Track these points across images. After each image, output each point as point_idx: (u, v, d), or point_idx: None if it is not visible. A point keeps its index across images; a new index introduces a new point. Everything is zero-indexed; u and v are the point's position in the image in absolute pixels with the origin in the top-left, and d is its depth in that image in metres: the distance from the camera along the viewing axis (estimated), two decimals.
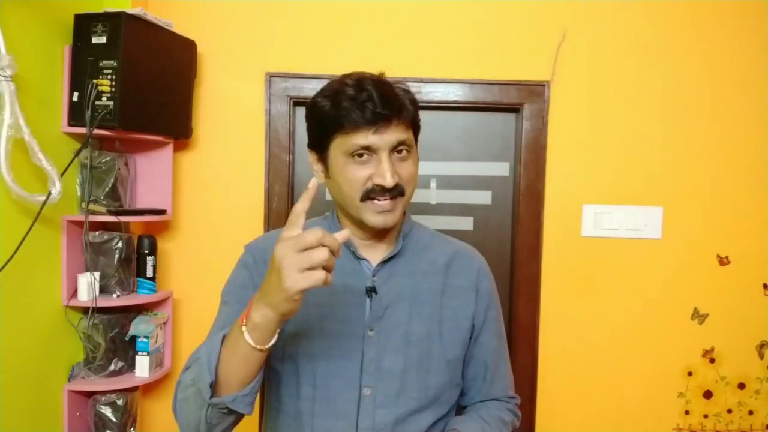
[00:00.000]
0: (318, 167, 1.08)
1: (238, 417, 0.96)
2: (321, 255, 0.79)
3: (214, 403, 0.90)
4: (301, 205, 0.85)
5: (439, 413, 1.09)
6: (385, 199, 1.00)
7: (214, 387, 0.90)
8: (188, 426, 0.97)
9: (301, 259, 0.80)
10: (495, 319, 1.17)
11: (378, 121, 0.97)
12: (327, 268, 0.81)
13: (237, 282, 1.12)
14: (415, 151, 1.06)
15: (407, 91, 1.05)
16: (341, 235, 0.84)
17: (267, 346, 0.87)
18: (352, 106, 0.97)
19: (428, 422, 1.06)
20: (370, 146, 0.98)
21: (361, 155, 0.99)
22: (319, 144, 1.04)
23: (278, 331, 0.88)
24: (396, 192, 1.01)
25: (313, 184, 0.88)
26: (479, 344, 1.15)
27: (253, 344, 0.86)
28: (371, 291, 1.07)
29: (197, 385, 0.92)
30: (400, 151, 1.01)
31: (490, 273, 1.19)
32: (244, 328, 0.86)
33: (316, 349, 1.04)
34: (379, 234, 1.08)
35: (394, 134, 0.99)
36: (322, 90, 1.04)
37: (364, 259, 1.09)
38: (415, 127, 1.06)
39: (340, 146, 1.00)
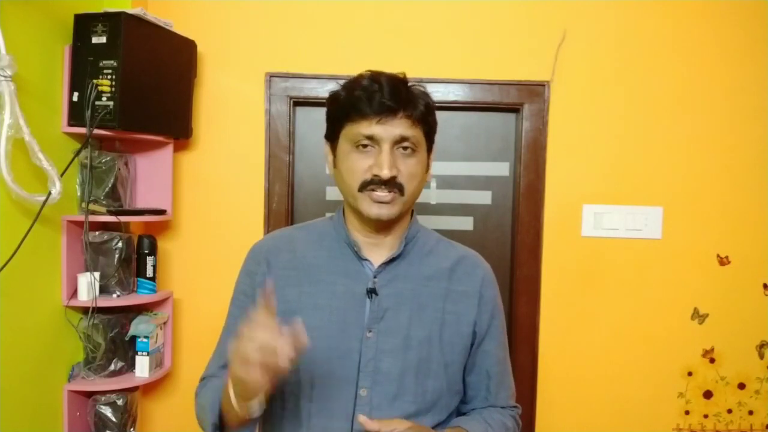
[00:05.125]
0: (329, 158, 1.11)
1: None
2: (249, 349, 0.86)
3: None
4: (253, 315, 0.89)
5: (437, 419, 1.08)
6: (382, 191, 1.01)
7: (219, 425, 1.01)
8: (202, 427, 1.08)
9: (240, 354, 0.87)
10: (499, 329, 1.17)
11: (383, 111, 0.99)
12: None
13: (239, 288, 1.16)
14: (422, 153, 1.07)
15: (425, 93, 1.07)
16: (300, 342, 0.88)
17: (253, 414, 0.93)
18: (362, 96, 1.00)
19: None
20: (374, 136, 1.01)
21: (365, 146, 1.02)
22: (332, 133, 1.08)
23: (258, 402, 0.92)
24: (394, 186, 1.01)
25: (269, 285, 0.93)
26: (483, 353, 1.14)
27: (238, 412, 0.93)
28: (371, 292, 1.07)
29: (206, 412, 1.03)
30: (405, 148, 1.03)
31: (495, 282, 1.19)
32: (231, 394, 0.93)
33: (314, 349, 1.04)
34: (380, 228, 1.09)
35: (398, 127, 1.01)
36: (343, 83, 1.07)
37: (366, 260, 1.10)
38: (425, 128, 1.06)
39: (347, 135, 1.04)
